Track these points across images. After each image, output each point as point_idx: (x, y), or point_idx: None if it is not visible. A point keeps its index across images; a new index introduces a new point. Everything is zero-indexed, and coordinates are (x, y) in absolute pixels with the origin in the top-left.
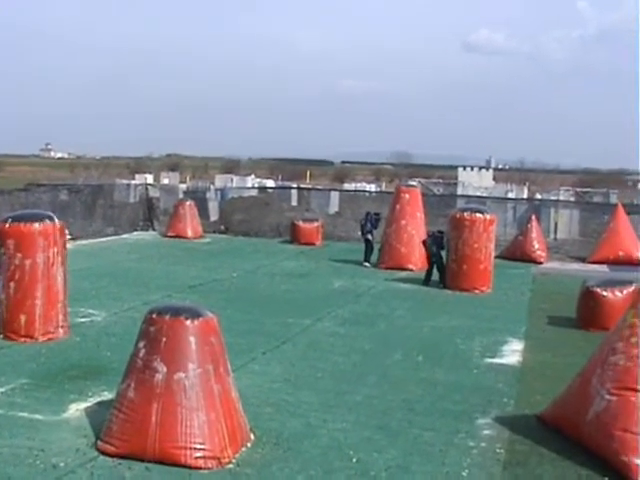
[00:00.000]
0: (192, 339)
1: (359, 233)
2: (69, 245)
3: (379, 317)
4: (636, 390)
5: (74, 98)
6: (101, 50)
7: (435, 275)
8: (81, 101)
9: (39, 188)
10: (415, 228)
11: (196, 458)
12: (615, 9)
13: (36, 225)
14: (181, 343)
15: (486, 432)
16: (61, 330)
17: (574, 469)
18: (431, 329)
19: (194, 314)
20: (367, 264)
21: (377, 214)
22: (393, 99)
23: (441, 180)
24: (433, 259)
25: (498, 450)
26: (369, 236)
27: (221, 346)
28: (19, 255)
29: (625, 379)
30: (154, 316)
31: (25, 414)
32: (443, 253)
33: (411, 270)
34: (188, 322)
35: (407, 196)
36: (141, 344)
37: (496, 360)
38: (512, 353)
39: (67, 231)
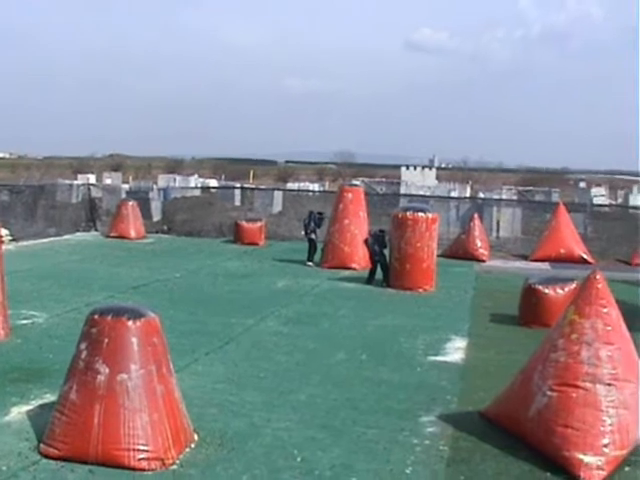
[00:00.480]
0: (134, 340)
1: (302, 233)
2: (10, 246)
3: (323, 316)
4: (576, 386)
5: (14, 95)
6: (42, 45)
7: (379, 274)
8: (22, 98)
9: None
10: (358, 227)
11: (139, 460)
12: (558, 11)
13: None
14: (123, 344)
15: (430, 430)
16: (2, 332)
17: (517, 464)
18: (375, 328)
19: (136, 315)
20: (310, 263)
21: (320, 213)
22: (337, 98)
23: (384, 179)
24: (376, 258)
25: (442, 447)
26: (312, 235)
27: (164, 346)
28: None
29: (566, 375)
30: (96, 317)
31: None
32: (386, 252)
33: (354, 269)
34: (130, 323)
35: (350, 195)
36: (83, 345)
37: (439, 358)
38: (455, 351)
39: (7, 232)
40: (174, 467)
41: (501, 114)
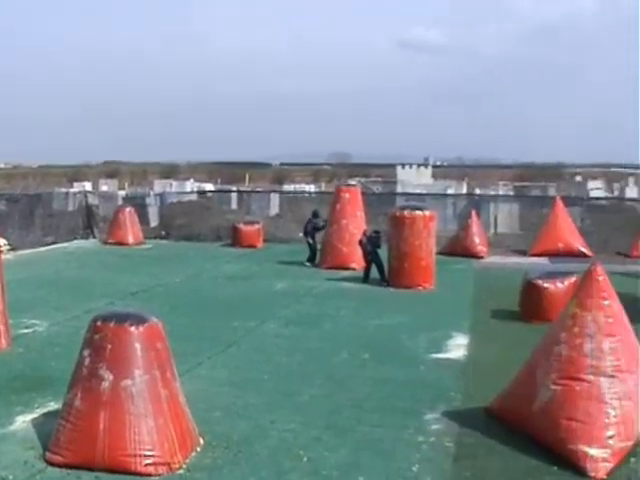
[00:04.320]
0: (137, 345)
1: (300, 234)
2: (8, 255)
3: (323, 317)
4: (580, 379)
5: (8, 104)
6: (27, 51)
7: (375, 273)
8: (14, 108)
9: None
10: (356, 227)
11: (146, 465)
12: (549, 4)
13: None
14: (127, 350)
15: (435, 427)
16: (3, 341)
17: (523, 460)
18: (376, 327)
19: (139, 320)
20: (308, 264)
21: (323, 224)
22: (329, 98)
23: (380, 179)
24: (369, 257)
25: (447, 444)
26: (311, 238)
27: (167, 351)
28: None
29: (569, 369)
30: (98, 323)
31: None
32: (381, 251)
33: (354, 269)
34: (133, 328)
35: (347, 195)
36: (86, 352)
37: (442, 355)
38: (457, 348)
39: (5, 241)
40: (181, 471)
41: (495, 110)
